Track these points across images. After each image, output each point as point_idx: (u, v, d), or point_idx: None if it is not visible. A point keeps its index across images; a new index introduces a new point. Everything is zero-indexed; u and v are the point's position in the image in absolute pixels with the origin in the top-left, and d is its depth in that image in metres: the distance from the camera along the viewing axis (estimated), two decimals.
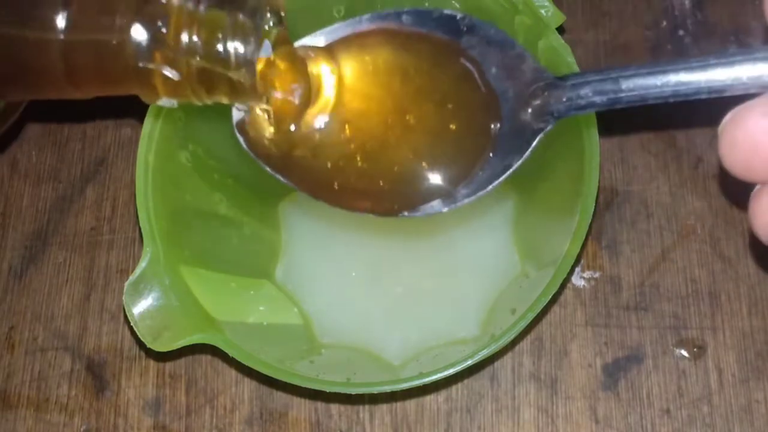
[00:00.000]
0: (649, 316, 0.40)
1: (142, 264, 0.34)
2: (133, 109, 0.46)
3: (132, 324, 0.33)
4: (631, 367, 0.39)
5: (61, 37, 0.27)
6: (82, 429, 0.40)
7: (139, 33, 0.26)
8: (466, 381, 0.40)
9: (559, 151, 0.36)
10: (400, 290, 0.41)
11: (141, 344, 0.35)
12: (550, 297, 0.32)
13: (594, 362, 0.39)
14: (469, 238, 0.41)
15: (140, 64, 0.27)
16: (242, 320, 0.38)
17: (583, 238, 0.33)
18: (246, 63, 0.26)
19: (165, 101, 0.28)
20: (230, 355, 0.33)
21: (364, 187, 0.29)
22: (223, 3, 0.27)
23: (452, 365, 0.32)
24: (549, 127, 0.27)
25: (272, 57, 0.28)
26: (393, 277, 0.41)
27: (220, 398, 0.40)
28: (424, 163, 0.29)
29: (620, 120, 0.44)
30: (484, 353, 0.32)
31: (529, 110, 0.27)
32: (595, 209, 0.34)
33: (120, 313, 0.42)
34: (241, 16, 0.26)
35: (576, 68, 0.34)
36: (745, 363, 0.39)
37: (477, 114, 0.28)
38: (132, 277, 0.33)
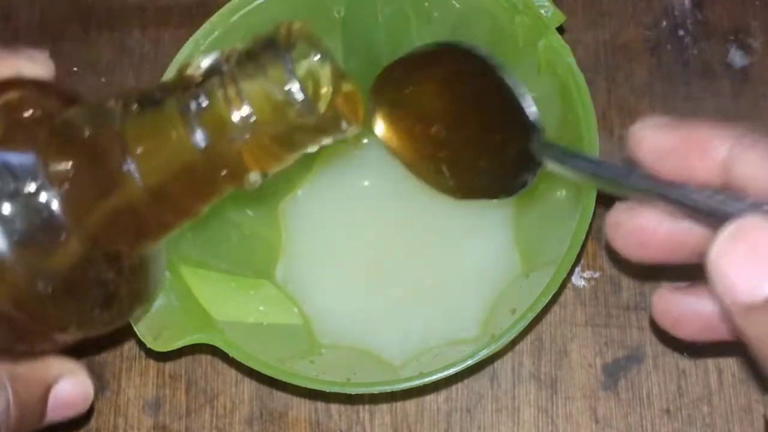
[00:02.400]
0: (649, 316, 0.40)
1: None
2: None
3: (132, 324, 0.33)
4: (631, 367, 0.39)
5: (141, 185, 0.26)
6: (82, 429, 0.40)
7: (199, 137, 0.25)
8: (466, 381, 0.40)
9: None
10: (400, 290, 0.41)
11: (141, 344, 0.35)
12: (550, 297, 0.32)
13: (594, 362, 0.39)
14: (470, 238, 0.41)
15: (223, 172, 0.26)
16: (242, 320, 0.38)
17: (583, 238, 0.33)
18: (308, 108, 0.25)
19: (256, 177, 0.27)
20: (230, 355, 0.33)
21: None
22: (250, 58, 0.25)
23: (452, 365, 0.32)
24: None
25: (329, 88, 0.27)
26: (393, 277, 0.41)
27: (220, 398, 0.40)
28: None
29: (620, 120, 0.44)
30: (484, 353, 0.32)
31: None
32: (595, 209, 0.34)
33: None
34: (271, 71, 0.25)
35: (576, 68, 0.34)
36: (745, 363, 0.39)
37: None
38: None
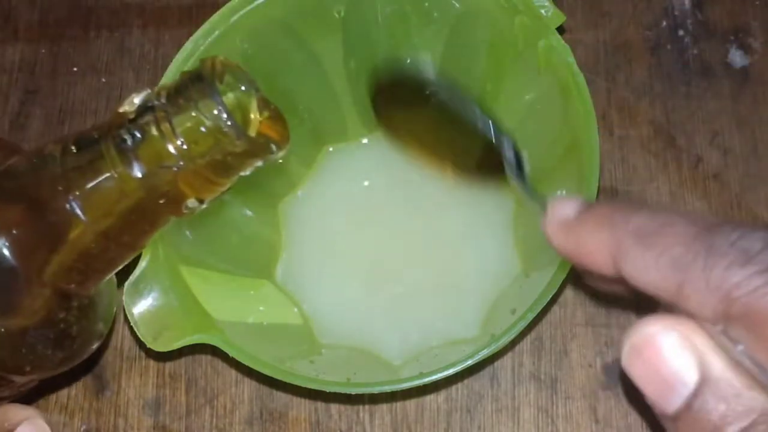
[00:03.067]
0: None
1: (142, 264, 0.34)
2: None
3: (132, 324, 0.33)
4: None
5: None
6: (82, 429, 0.40)
7: (136, 170, 0.27)
8: (466, 381, 0.40)
9: (559, 151, 0.37)
10: (400, 290, 0.41)
11: (141, 344, 0.35)
12: (550, 297, 0.32)
13: (594, 362, 0.39)
14: (470, 238, 0.41)
15: (161, 201, 0.27)
16: (242, 320, 0.38)
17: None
18: (238, 134, 0.27)
19: (194, 203, 0.29)
20: (230, 355, 0.33)
21: None
22: (179, 92, 0.27)
23: (452, 365, 0.32)
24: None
25: (256, 114, 0.29)
26: (393, 277, 0.41)
27: (220, 398, 0.40)
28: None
29: (620, 120, 0.44)
30: (484, 353, 0.32)
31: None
32: None
33: (120, 313, 0.42)
34: (201, 103, 0.27)
35: (576, 68, 0.34)
36: None
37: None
38: (132, 277, 0.33)
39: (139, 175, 0.27)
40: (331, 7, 0.39)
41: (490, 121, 0.32)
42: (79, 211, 0.27)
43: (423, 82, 0.34)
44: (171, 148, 0.27)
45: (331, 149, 0.44)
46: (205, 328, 0.34)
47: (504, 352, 0.40)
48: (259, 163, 0.28)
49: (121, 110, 0.27)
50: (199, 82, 0.27)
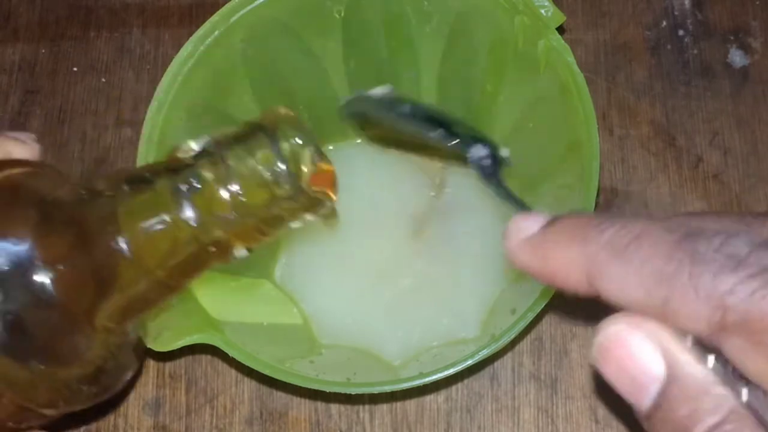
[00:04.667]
0: None
1: None
2: (133, 110, 0.46)
3: None
4: None
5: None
6: (82, 429, 0.40)
7: (189, 215, 0.27)
8: (466, 381, 0.40)
9: (559, 151, 0.37)
10: (400, 290, 0.41)
11: None
12: (550, 297, 0.32)
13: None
14: (470, 237, 0.41)
15: (211, 249, 0.27)
16: (242, 320, 0.38)
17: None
18: (292, 185, 0.27)
19: (241, 252, 0.29)
20: (230, 355, 0.33)
21: None
22: (239, 141, 0.27)
23: (452, 365, 0.32)
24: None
25: (311, 166, 0.28)
26: (393, 277, 0.41)
27: (220, 398, 0.40)
28: None
29: (620, 120, 0.44)
30: (484, 353, 0.32)
31: None
32: (595, 209, 0.34)
33: None
34: (259, 152, 0.27)
35: (576, 68, 0.34)
36: None
37: None
38: None
39: (192, 221, 0.27)
40: (331, 7, 0.39)
41: (454, 138, 0.32)
42: (127, 252, 0.27)
43: (380, 116, 0.35)
44: (226, 197, 0.27)
45: (331, 148, 0.44)
46: (205, 328, 0.34)
47: (504, 352, 0.40)
48: (310, 217, 0.29)
49: (178, 154, 0.27)
50: (259, 132, 0.27)
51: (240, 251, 0.28)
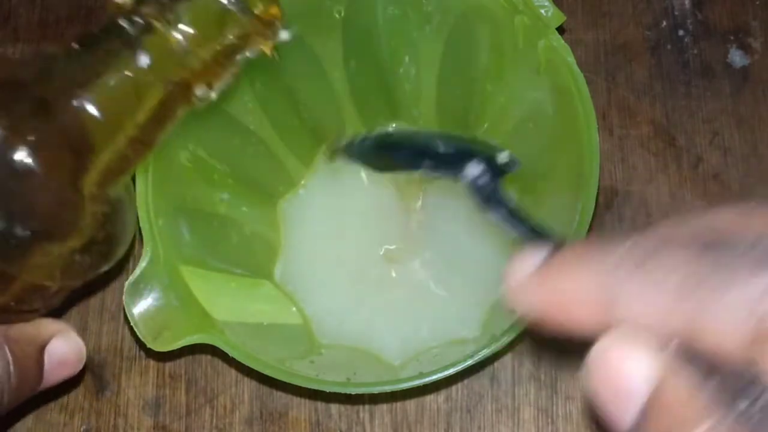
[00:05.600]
0: None
1: (142, 264, 0.34)
2: None
3: (132, 324, 0.33)
4: None
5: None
6: (82, 429, 0.40)
7: (143, 60, 0.27)
8: (466, 381, 0.40)
9: (559, 151, 0.37)
10: (401, 290, 0.41)
11: (141, 344, 0.35)
12: None
13: None
14: (470, 237, 0.41)
15: (174, 92, 0.28)
16: (242, 320, 0.38)
17: (583, 238, 0.33)
18: (242, 10, 0.28)
19: (203, 91, 0.29)
20: (230, 355, 0.33)
21: None
22: None
23: (452, 365, 0.32)
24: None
25: None
26: (393, 277, 0.41)
27: (220, 398, 0.40)
28: None
29: (620, 120, 0.44)
30: (485, 353, 0.32)
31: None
32: (595, 209, 0.34)
33: (120, 313, 0.42)
34: None
35: (576, 68, 0.34)
36: None
37: None
38: (132, 277, 0.33)
39: (148, 66, 0.27)
40: (331, 8, 0.39)
41: (441, 167, 0.30)
42: (93, 110, 0.27)
43: (377, 155, 0.34)
44: (177, 35, 0.27)
45: None
46: (205, 328, 0.34)
47: (504, 352, 0.40)
48: (264, 45, 0.29)
49: (119, 1, 0.28)
50: None
51: (202, 90, 0.29)
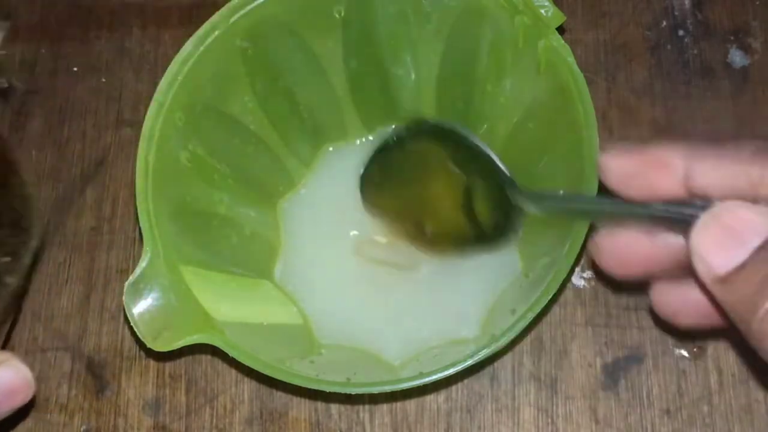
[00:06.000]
0: (649, 316, 0.40)
1: (142, 264, 0.34)
2: (133, 110, 0.46)
3: (132, 324, 0.33)
4: (631, 367, 0.39)
5: None
6: (82, 429, 0.40)
7: None
8: (466, 381, 0.40)
9: (559, 151, 0.37)
10: (401, 290, 0.41)
11: (141, 344, 0.35)
12: (550, 297, 0.32)
13: (594, 362, 0.39)
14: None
15: None
16: (242, 320, 0.38)
17: (583, 238, 0.33)
18: None
19: None
20: (230, 355, 0.33)
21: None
22: None
23: (452, 365, 0.32)
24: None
25: None
26: (393, 277, 0.41)
27: (220, 398, 0.40)
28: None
29: (620, 120, 0.44)
30: (484, 353, 0.32)
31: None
32: None
33: (120, 313, 0.42)
34: None
35: (576, 68, 0.34)
36: (745, 363, 0.39)
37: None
38: (132, 277, 0.33)
39: None
40: (331, 8, 0.39)
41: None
42: None
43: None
44: None
45: (330, 149, 0.44)
46: (205, 328, 0.34)
47: (504, 352, 0.40)
48: None
49: None
50: None
51: None
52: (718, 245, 0.22)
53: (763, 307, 0.21)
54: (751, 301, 0.22)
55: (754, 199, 0.23)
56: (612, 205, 0.28)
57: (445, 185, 0.36)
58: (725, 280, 0.22)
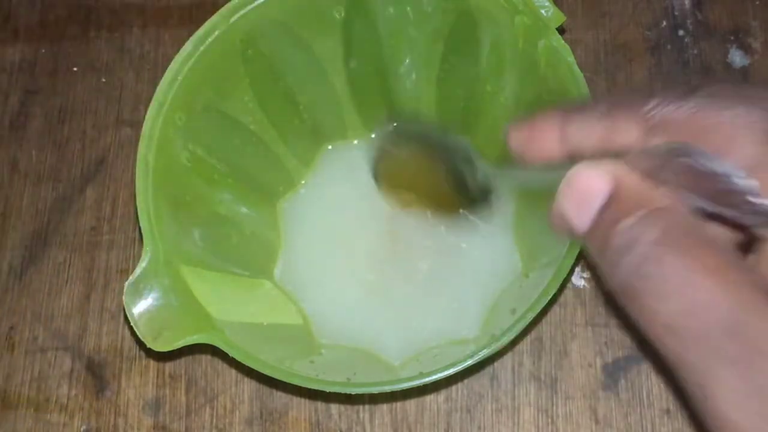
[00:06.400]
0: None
1: (142, 264, 0.34)
2: (133, 110, 0.46)
3: (132, 324, 0.33)
4: (631, 367, 0.39)
5: None
6: (82, 429, 0.40)
7: None
8: (466, 381, 0.40)
9: None
10: (400, 290, 0.41)
11: (141, 344, 0.35)
12: (550, 297, 0.32)
13: (594, 362, 0.39)
14: (470, 237, 0.41)
15: None
16: (242, 320, 0.38)
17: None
18: None
19: None
20: (230, 355, 0.33)
21: None
22: None
23: (452, 365, 0.32)
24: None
25: None
26: (393, 277, 0.41)
27: (220, 398, 0.40)
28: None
29: None
30: (484, 353, 0.32)
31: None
32: None
33: (120, 313, 0.42)
34: None
35: (576, 68, 0.34)
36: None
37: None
38: (132, 277, 0.33)
39: None
40: (331, 8, 0.39)
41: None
42: None
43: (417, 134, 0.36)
44: None
45: (330, 148, 0.44)
46: (205, 328, 0.34)
47: (504, 352, 0.40)
48: None
49: None
50: None
51: None
52: (573, 208, 0.24)
53: (605, 258, 0.23)
54: (600, 254, 0.24)
55: (616, 154, 0.25)
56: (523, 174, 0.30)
57: (433, 170, 0.37)
58: (586, 238, 0.24)
